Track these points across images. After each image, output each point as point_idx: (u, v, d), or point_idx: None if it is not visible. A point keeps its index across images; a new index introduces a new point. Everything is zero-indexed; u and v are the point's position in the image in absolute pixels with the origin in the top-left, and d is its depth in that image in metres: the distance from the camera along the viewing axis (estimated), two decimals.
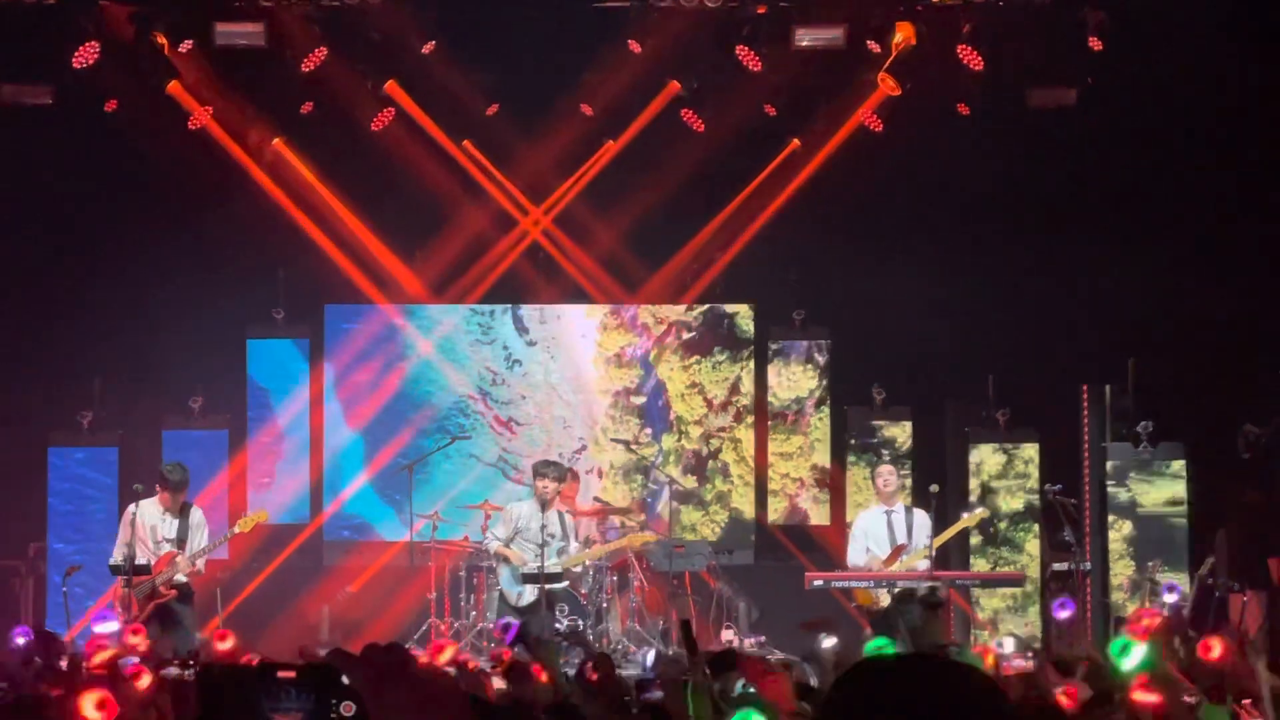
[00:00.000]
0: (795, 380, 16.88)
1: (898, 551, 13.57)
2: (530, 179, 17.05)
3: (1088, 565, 14.60)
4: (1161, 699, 6.22)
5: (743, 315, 17.03)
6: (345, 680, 4.39)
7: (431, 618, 15.06)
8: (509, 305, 17.09)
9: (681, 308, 17.03)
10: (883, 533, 13.72)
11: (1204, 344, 15.42)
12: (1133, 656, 6.42)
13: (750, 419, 16.95)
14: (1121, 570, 15.55)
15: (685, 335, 17.08)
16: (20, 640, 10.32)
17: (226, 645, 8.44)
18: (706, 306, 17.05)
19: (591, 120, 16.57)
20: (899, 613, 13.34)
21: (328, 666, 4.53)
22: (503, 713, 4.67)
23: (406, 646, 8.52)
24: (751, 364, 16.96)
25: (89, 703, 5.48)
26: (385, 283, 17.06)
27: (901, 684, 2.68)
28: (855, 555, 13.86)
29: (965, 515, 14.49)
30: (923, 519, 13.66)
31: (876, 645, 8.87)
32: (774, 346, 16.94)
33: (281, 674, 4.36)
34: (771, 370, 16.90)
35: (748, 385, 16.97)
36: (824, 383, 16.84)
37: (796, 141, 16.67)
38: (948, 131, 15.89)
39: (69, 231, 16.31)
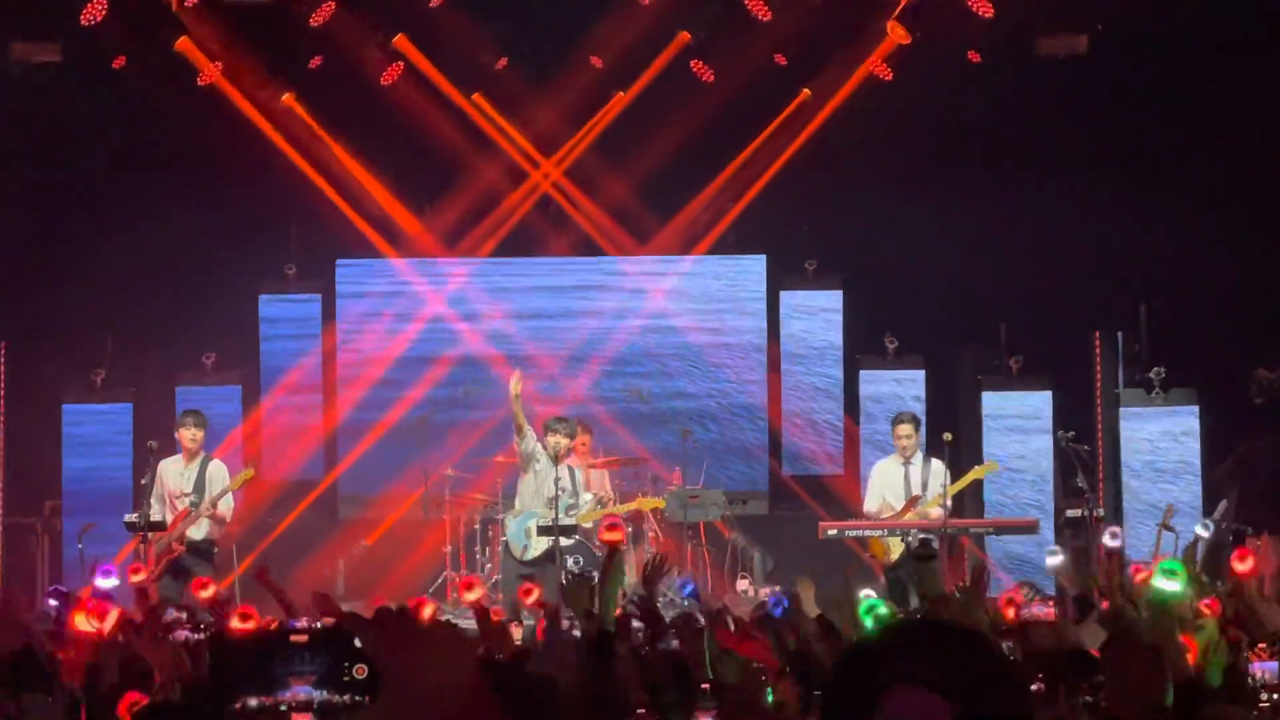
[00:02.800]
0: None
1: (911, 503, 13.56)
2: (540, 131, 17.01)
3: (1101, 511, 14.57)
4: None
5: None
6: (358, 643, 4.42)
7: (447, 570, 15.13)
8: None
9: None
10: (899, 484, 13.70)
11: (1216, 290, 15.37)
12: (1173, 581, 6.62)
13: None
14: None
15: None
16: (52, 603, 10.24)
17: (207, 594, 8.31)
18: None
19: (601, 72, 16.53)
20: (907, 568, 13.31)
21: (340, 630, 4.55)
22: (513, 671, 4.70)
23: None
24: None
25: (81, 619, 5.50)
26: (397, 237, 17.06)
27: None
28: (871, 503, 13.87)
29: (977, 466, 14.50)
30: (939, 468, 13.61)
31: None
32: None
33: (295, 638, 4.40)
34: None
35: None
36: None
37: (807, 91, 16.61)
38: (958, 79, 15.81)
39: (79, 189, 16.30)
